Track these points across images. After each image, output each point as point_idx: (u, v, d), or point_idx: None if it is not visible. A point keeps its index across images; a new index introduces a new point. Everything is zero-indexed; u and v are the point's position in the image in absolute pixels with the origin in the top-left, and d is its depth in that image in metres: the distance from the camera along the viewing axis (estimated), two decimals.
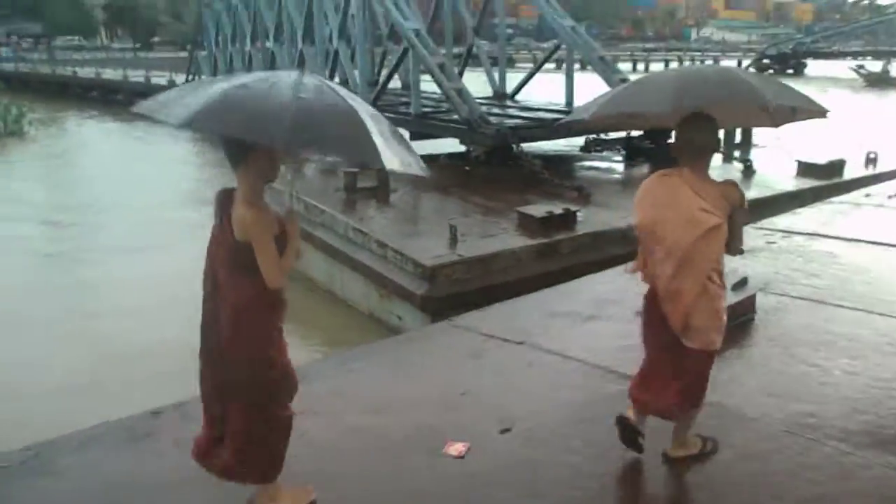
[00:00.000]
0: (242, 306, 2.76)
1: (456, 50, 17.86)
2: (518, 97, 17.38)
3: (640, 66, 70.66)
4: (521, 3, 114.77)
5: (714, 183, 3.05)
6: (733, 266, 5.86)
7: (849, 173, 11.77)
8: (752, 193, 10.38)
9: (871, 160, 12.38)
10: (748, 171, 11.81)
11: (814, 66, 60.36)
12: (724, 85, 2.99)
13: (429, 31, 16.79)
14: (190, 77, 31.38)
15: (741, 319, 4.94)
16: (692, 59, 69.42)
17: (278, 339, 2.91)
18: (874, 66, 49.09)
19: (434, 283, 7.64)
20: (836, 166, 11.62)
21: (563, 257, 8.44)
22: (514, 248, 8.19)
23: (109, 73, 39.99)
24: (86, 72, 42.87)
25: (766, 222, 8.19)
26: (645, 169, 12.78)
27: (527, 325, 5.32)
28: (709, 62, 66.67)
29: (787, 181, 11.22)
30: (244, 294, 2.75)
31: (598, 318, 5.47)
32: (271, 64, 20.24)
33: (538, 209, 8.96)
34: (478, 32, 17.40)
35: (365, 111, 2.60)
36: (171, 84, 33.60)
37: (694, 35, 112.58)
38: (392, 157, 2.52)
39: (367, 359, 4.95)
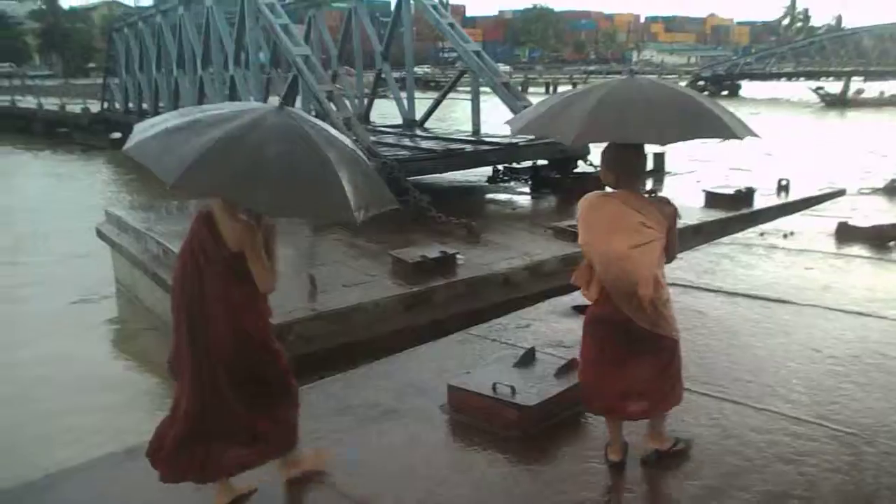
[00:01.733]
0: (243, 308, 3.07)
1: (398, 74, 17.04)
2: (437, 126, 16.70)
3: (580, 88, 71.09)
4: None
5: (650, 201, 3.27)
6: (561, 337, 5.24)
7: (760, 202, 11.17)
8: None
9: (782, 188, 11.82)
10: None
11: (749, 88, 61.31)
12: (696, 121, 3.12)
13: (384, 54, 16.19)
14: (104, 105, 30.18)
15: (566, 414, 3.99)
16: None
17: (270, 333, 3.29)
18: (835, 87, 49.01)
19: (284, 342, 6.67)
20: (745, 196, 11.00)
21: (435, 308, 7.58)
22: (376, 299, 7.29)
23: (29, 102, 38.41)
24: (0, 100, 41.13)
25: None
26: (552, 200, 12.08)
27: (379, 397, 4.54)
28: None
29: (692, 213, 10.53)
30: (243, 298, 3.06)
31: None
32: (175, 91, 19.23)
33: (412, 253, 8.10)
34: (386, 58, 16.62)
35: (340, 157, 2.78)
36: (85, 112, 32.34)
37: (635, 57, 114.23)
38: (361, 208, 2.71)
39: None
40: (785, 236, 8.10)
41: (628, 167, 3.24)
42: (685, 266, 7.15)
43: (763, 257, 7.45)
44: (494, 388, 3.85)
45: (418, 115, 16.43)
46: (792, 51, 66.84)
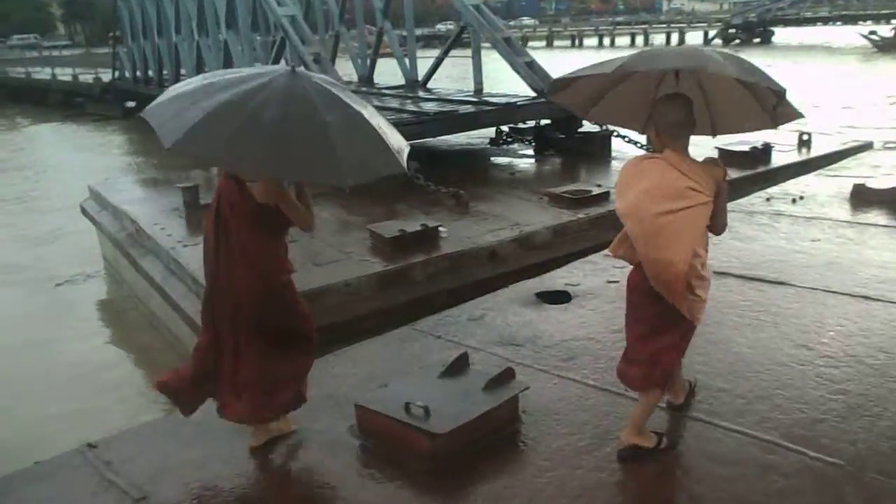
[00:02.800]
0: (264, 255, 3.24)
1: (420, 31, 16.33)
2: (446, 85, 15.92)
3: (606, 41, 69.47)
4: None
5: (697, 162, 3.06)
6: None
7: (778, 159, 10.37)
8: None
9: (803, 143, 10.98)
10: None
11: (783, 34, 58.93)
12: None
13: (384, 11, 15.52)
14: (115, 75, 29.78)
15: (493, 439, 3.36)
16: (666, 32, 67.76)
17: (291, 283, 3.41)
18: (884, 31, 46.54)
19: None
20: (761, 153, 10.20)
21: (415, 286, 7.03)
22: (347, 279, 6.75)
23: (45, 73, 38.21)
24: (17, 71, 41.03)
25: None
26: (555, 162, 11.39)
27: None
28: (674, 35, 65.44)
29: None
30: (264, 246, 3.24)
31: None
32: (177, 57, 18.67)
33: (392, 227, 7.53)
34: (386, 15, 15.85)
35: (343, 120, 2.84)
36: (97, 82, 32.00)
37: (665, 6, 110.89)
38: (353, 173, 2.86)
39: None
40: (794, 201, 7.33)
41: (671, 124, 3.03)
42: None
43: (765, 227, 6.66)
44: (407, 409, 3.21)
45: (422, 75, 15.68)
46: None
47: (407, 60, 15.48)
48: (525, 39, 75.49)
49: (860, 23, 60.17)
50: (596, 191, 8.83)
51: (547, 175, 10.59)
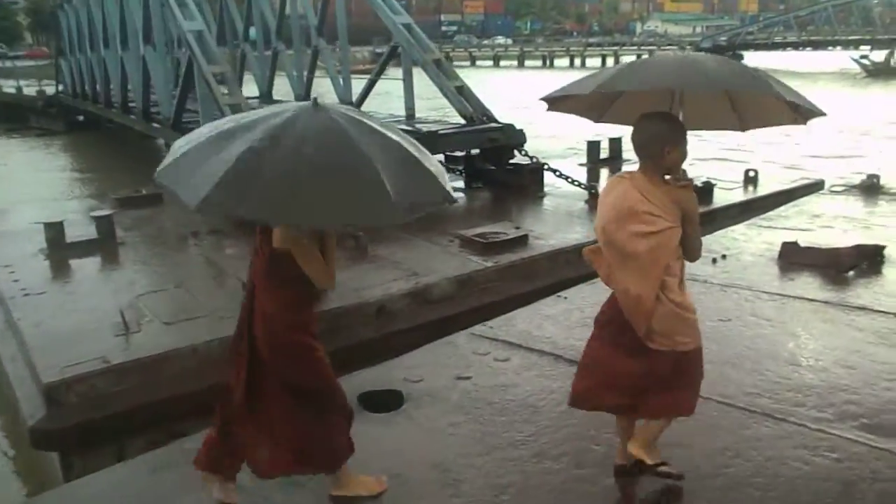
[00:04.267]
0: (274, 306, 2.96)
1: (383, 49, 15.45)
2: (387, 107, 15.03)
3: (577, 62, 69.22)
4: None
5: (665, 186, 2.92)
6: None
7: (721, 198, 9.50)
8: (576, 236, 8.07)
9: (750, 180, 10.16)
10: (593, 199, 9.47)
11: (753, 59, 58.86)
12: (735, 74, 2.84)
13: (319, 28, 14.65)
14: (58, 88, 28.58)
15: None
16: (636, 54, 67.59)
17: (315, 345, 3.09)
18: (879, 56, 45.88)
19: (65, 406, 5.18)
20: (702, 192, 9.32)
21: None
22: (196, 343, 5.72)
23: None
24: None
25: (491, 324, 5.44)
26: (483, 197, 10.45)
27: None
28: (644, 55, 64.89)
29: None
30: (276, 296, 2.96)
31: None
32: (123, 71, 17.55)
33: None
34: (321, 32, 14.91)
35: (380, 149, 2.58)
36: (40, 94, 30.73)
37: (639, 28, 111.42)
38: (405, 207, 2.51)
39: None
40: (714, 261, 6.35)
41: (634, 143, 2.98)
42: (525, 320, 5.31)
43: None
44: None
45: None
46: (797, 19, 64.17)
47: (341, 80, 14.55)
48: (497, 59, 75.46)
49: (829, 48, 60.47)
50: (512, 234, 7.90)
51: (466, 212, 9.63)
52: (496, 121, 10.70)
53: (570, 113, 3.26)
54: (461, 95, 11.13)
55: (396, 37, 12.18)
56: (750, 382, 4.11)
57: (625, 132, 10.59)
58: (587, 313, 5.05)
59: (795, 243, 5.86)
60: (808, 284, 5.58)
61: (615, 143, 12.26)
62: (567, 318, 5.12)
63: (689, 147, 2.95)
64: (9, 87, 35.09)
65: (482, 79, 53.82)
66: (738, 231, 7.47)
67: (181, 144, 2.72)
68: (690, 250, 2.99)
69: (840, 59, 47.97)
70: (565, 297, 5.38)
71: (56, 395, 5.15)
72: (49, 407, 5.13)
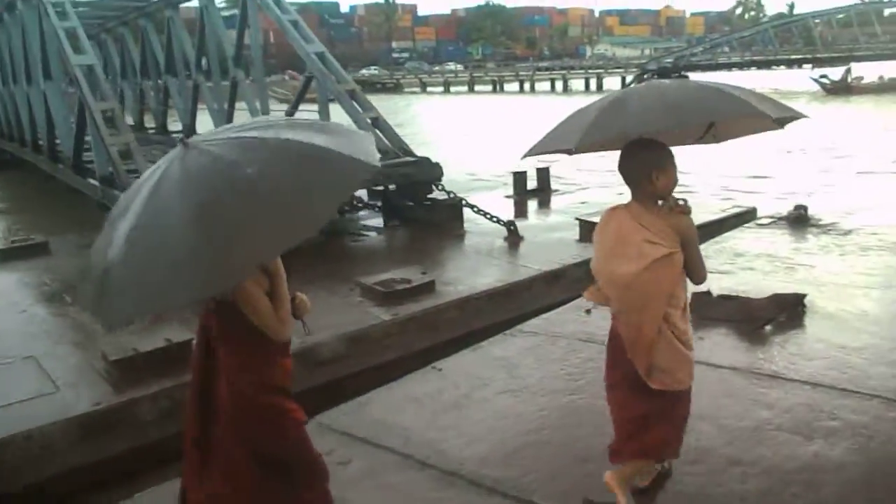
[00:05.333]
0: (236, 365, 2.65)
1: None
2: None
3: (527, 86, 69.41)
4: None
5: (661, 213, 2.90)
6: None
7: None
8: (487, 280, 7.40)
9: None
10: (512, 237, 8.81)
11: (697, 79, 59.43)
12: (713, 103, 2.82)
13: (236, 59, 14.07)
14: None
15: None
16: (584, 78, 68.08)
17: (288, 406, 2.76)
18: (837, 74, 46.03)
19: None
20: None
21: (140, 430, 5.20)
22: (32, 428, 4.89)
23: None
24: None
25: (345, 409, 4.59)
26: (399, 236, 9.76)
27: None
28: (592, 80, 65.65)
29: (558, 251, 8.26)
30: (235, 353, 2.65)
31: None
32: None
33: (123, 343, 5.71)
34: (238, 63, 14.18)
35: (267, 163, 2.29)
36: None
37: (588, 52, 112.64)
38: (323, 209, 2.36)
39: None
40: (587, 311, 5.45)
41: (622, 171, 2.94)
42: (383, 403, 4.46)
43: (537, 368, 4.68)
44: None
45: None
46: (740, 40, 65.22)
47: (259, 108, 13.81)
48: (447, 85, 75.35)
49: (773, 67, 61.40)
50: (417, 280, 7.19)
51: (376, 254, 8.92)
52: (412, 154, 10.06)
53: (548, 152, 3.09)
54: (376, 127, 10.47)
55: (309, 66, 11.52)
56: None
57: (553, 161, 9.91)
58: (463, 390, 4.34)
59: (708, 293, 5.15)
60: (717, 346, 4.77)
61: (543, 174, 11.68)
62: (435, 400, 4.32)
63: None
64: None
65: (430, 105, 53.84)
66: None
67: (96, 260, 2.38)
68: (695, 273, 2.96)
69: (800, 78, 48.54)
70: (440, 370, 4.66)
71: None
72: None
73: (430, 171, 9.64)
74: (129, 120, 21.86)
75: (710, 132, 3.11)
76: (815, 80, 44.79)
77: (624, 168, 2.93)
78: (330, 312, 6.67)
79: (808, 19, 60.61)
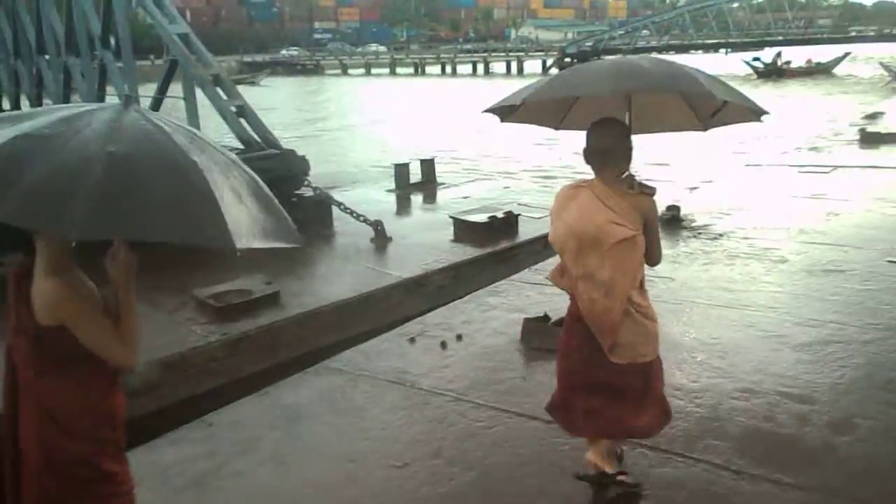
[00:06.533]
0: (58, 408, 2.19)
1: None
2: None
3: (448, 69, 68.71)
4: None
5: (625, 193, 2.87)
6: None
7: (529, 230, 8.36)
8: (342, 290, 6.69)
9: None
10: (379, 238, 8.09)
11: None
12: (669, 76, 2.79)
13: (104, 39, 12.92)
14: None
15: None
16: (506, 61, 67.82)
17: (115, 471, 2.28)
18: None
19: None
20: (504, 224, 8.15)
21: None
22: None
23: None
24: None
25: None
26: None
27: None
28: (513, 63, 65.45)
29: (430, 253, 7.60)
30: (58, 393, 2.19)
31: None
32: None
33: None
34: (105, 42, 13.00)
35: (213, 162, 2.04)
36: None
37: (513, 34, 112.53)
38: (248, 232, 1.95)
39: None
40: (444, 345, 4.76)
41: (592, 151, 2.89)
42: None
43: (325, 424, 3.90)
44: None
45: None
46: (658, 24, 65.90)
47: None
48: (368, 66, 73.95)
49: (691, 52, 62.24)
50: (260, 292, 6.43)
51: (221, 260, 8.04)
52: (278, 147, 9.24)
53: (528, 123, 3.19)
54: (242, 116, 9.61)
55: (172, 49, 10.51)
56: None
57: (441, 152, 9.16)
58: (219, 458, 3.57)
59: (544, 318, 4.54)
60: (541, 385, 3.94)
61: (428, 166, 11.00)
62: (180, 474, 3.46)
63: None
64: None
65: (348, 88, 52.36)
66: (489, 294, 5.89)
67: None
68: (653, 256, 2.97)
69: (733, 62, 49.40)
70: (210, 424, 3.88)
71: None
72: None
73: (294, 165, 8.85)
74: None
75: (693, 115, 3.09)
76: (748, 63, 46.16)
77: (601, 144, 2.85)
78: (148, 332, 5.84)
79: (723, 4, 61.44)
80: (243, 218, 1.98)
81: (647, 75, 2.74)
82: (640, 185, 2.87)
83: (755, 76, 44.80)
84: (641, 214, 2.85)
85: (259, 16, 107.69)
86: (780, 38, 59.90)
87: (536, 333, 4.44)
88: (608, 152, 2.85)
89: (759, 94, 31.04)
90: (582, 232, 2.83)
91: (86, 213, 1.76)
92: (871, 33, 64.29)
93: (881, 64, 38.28)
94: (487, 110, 3.07)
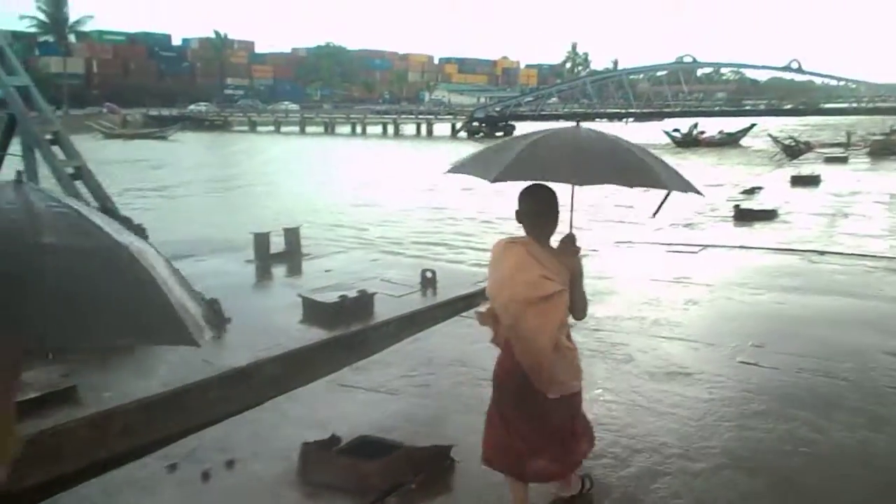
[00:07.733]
0: None
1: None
2: None
3: (359, 129, 68.80)
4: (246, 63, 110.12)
5: (553, 250, 3.13)
6: None
7: (385, 310, 7.74)
8: (152, 384, 5.89)
9: (428, 281, 8.55)
10: (216, 318, 7.33)
11: (524, 128, 61.09)
12: (636, 171, 3.06)
13: None
14: None
15: None
16: (416, 123, 68.35)
17: None
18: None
19: None
20: (355, 305, 7.52)
21: None
22: None
23: None
24: None
25: None
26: None
27: None
28: (423, 126, 66.11)
29: (268, 338, 6.87)
30: None
31: None
32: None
33: None
34: None
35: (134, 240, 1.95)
36: None
37: (427, 98, 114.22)
38: (193, 323, 1.82)
39: None
40: (206, 476, 3.87)
41: (525, 213, 3.15)
42: None
43: None
44: None
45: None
46: (560, 92, 68.00)
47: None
48: (278, 124, 73.28)
49: (597, 120, 64.19)
50: (53, 386, 5.57)
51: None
52: (115, 213, 8.43)
53: (468, 175, 3.35)
54: (78, 179, 8.77)
55: (10, 103, 9.60)
56: None
57: (309, 222, 8.39)
58: None
59: (330, 441, 3.77)
60: None
61: (292, 235, 10.31)
62: None
63: None
64: None
65: (250, 146, 51.33)
66: (288, 400, 5.08)
67: None
68: (578, 311, 3.19)
69: (655, 131, 51.34)
70: None
71: None
72: None
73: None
74: None
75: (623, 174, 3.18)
76: (667, 133, 48.80)
77: (536, 208, 3.10)
78: None
79: (623, 76, 63.88)
80: (185, 305, 1.86)
81: (615, 173, 3.03)
82: (570, 244, 3.11)
83: (674, 145, 46.99)
84: (569, 270, 3.08)
85: (170, 70, 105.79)
86: (679, 109, 62.53)
87: (318, 464, 3.68)
88: (540, 216, 3.10)
89: (675, 161, 32.01)
90: (515, 283, 3.01)
91: (46, 326, 1.67)
92: (762, 107, 67.99)
93: (770, 136, 40.21)
94: (450, 171, 3.33)
